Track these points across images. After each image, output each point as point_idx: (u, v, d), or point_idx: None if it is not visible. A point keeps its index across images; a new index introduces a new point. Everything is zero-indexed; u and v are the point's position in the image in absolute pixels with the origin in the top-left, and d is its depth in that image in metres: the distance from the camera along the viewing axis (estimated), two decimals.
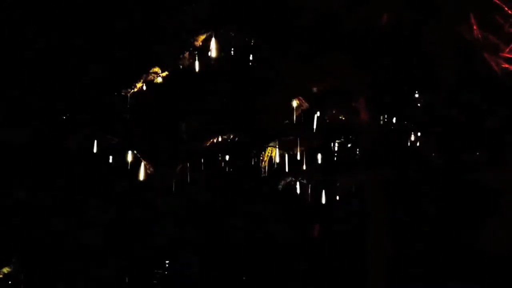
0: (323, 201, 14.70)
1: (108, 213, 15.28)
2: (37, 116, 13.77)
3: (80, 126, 13.51)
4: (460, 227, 14.34)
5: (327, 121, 13.97)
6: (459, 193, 14.18)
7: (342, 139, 14.54)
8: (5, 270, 14.59)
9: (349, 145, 14.55)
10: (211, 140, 13.66)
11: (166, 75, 12.98)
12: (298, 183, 14.74)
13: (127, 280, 15.24)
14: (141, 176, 13.76)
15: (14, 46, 13.20)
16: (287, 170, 14.25)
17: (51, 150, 14.33)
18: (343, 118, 14.03)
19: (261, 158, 14.06)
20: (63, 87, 13.43)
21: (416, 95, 13.58)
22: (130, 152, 13.73)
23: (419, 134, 14.05)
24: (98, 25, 13.03)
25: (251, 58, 13.14)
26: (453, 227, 14.57)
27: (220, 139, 13.69)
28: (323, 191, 14.61)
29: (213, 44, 12.55)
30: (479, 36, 11.15)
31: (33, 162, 14.44)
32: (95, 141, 13.46)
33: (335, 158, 14.58)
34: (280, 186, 14.84)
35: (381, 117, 13.56)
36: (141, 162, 13.72)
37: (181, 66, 12.84)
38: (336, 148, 14.67)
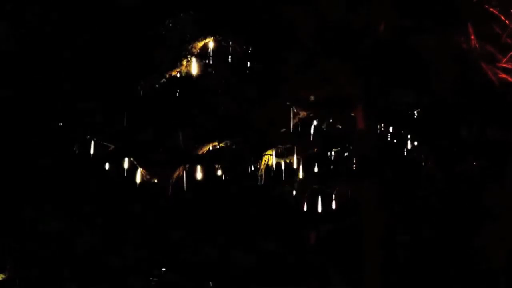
0: (319, 209, 14.69)
1: (103, 219, 15.26)
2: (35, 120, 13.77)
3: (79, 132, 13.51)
4: (458, 236, 14.33)
5: (324, 129, 13.98)
6: (456, 202, 14.18)
7: (339, 148, 14.54)
8: (0, 276, 14.54)
9: (345, 154, 14.55)
10: (208, 147, 13.64)
11: (164, 81, 12.99)
12: (294, 191, 14.74)
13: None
14: (137, 182, 13.75)
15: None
16: (283, 178, 14.24)
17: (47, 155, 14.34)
18: (340, 127, 14.04)
19: (258, 166, 14.04)
20: (58, 93, 13.43)
21: (414, 104, 13.60)
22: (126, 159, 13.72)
23: (415, 143, 14.08)
24: (96, 31, 13.04)
25: (248, 65, 13.15)
26: (450, 236, 14.56)
27: (217, 146, 13.68)
28: (319, 199, 14.59)
29: (211, 51, 12.59)
30: (477, 45, 11.20)
31: (29, 167, 14.43)
32: (92, 147, 13.46)
33: (331, 167, 14.59)
34: (277, 194, 14.84)
35: (378, 126, 13.56)
36: (138, 168, 13.71)
37: (178, 73, 12.86)
38: (332, 157, 14.67)
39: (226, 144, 13.58)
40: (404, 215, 14.84)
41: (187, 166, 13.57)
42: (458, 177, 13.89)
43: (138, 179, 13.73)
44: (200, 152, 13.55)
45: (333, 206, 14.73)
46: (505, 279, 13.40)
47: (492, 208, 12.97)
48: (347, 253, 15.15)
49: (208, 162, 13.77)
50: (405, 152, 14.20)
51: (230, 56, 12.83)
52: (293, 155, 13.80)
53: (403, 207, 14.69)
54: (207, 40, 12.63)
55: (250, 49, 12.86)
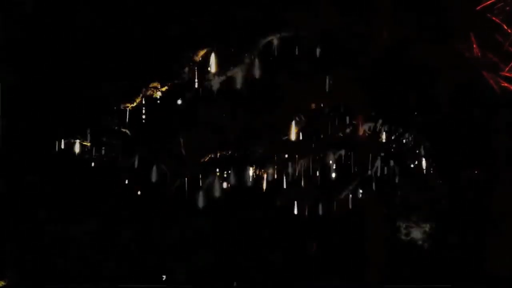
0: (321, 217, 14.68)
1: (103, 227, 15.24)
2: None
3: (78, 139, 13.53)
4: (463, 248, 14.28)
5: (326, 137, 13.99)
6: (461, 212, 14.14)
7: (341, 156, 14.53)
8: (0, 284, 14.52)
9: (348, 162, 14.54)
10: (209, 156, 13.65)
11: (166, 89, 13.00)
12: (296, 199, 14.73)
13: None
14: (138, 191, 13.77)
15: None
16: (285, 186, 14.25)
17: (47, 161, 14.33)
18: (342, 135, 14.05)
19: (259, 174, 14.05)
20: (60, 99, 13.43)
21: (416, 113, 13.60)
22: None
23: (417, 151, 14.07)
24: (97, 39, 13.04)
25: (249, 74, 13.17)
26: (455, 247, 14.51)
27: (218, 155, 13.69)
28: (321, 207, 14.59)
29: (212, 59, 12.60)
30: (479, 54, 11.22)
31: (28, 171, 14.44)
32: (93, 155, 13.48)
33: (333, 175, 14.57)
34: (278, 202, 14.83)
35: (380, 135, 13.58)
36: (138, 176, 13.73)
37: (180, 81, 12.90)
38: (334, 165, 14.66)
39: (227, 152, 13.60)
40: (406, 220, 14.84)
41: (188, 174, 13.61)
42: (463, 183, 13.89)
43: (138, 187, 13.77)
44: (201, 161, 13.57)
45: (335, 214, 14.74)
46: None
47: (498, 214, 12.96)
48: (349, 258, 15.15)
49: (209, 171, 13.79)
50: (407, 159, 14.20)
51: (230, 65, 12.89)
52: (294, 163, 13.81)
53: (406, 212, 14.69)
54: (209, 48, 12.66)
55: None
